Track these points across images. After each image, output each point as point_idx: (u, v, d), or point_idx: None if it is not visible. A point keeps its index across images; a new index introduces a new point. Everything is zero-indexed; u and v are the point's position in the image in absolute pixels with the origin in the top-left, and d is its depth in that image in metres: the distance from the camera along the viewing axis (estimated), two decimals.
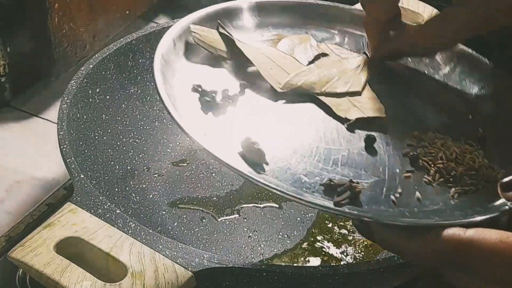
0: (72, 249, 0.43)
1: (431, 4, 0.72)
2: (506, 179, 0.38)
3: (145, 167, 0.63)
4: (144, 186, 0.62)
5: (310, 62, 0.51)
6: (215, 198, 0.62)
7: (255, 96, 0.47)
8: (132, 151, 0.63)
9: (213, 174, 0.64)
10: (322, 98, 0.47)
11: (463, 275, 0.36)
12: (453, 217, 0.39)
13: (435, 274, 0.54)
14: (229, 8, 0.55)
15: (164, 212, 0.60)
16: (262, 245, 0.58)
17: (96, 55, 0.60)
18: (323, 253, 0.57)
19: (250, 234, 0.59)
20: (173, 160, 0.65)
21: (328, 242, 0.58)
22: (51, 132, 0.56)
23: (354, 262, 0.57)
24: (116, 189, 0.59)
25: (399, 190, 0.41)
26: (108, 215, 0.45)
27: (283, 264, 0.56)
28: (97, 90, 0.60)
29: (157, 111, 0.66)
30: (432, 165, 0.43)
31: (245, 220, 0.60)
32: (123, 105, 0.63)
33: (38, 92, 0.78)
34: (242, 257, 0.57)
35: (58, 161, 0.51)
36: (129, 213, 0.57)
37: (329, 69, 0.50)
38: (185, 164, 0.65)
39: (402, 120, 0.48)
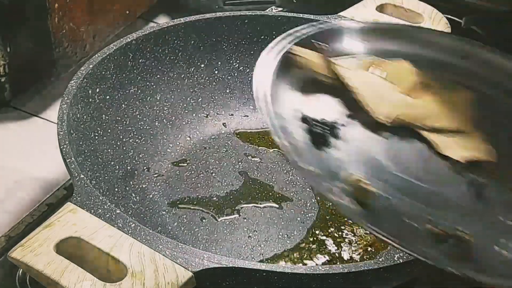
0: (72, 249, 0.44)
1: (431, 4, 0.73)
2: None
3: (145, 167, 0.63)
4: (144, 186, 0.62)
5: (410, 93, 0.47)
6: (215, 198, 0.62)
7: (358, 128, 0.44)
8: (132, 151, 0.63)
9: (213, 174, 0.64)
10: (425, 133, 0.44)
11: None
12: None
13: (435, 274, 0.54)
14: (332, 29, 0.51)
15: (164, 212, 0.60)
16: (262, 245, 0.58)
17: (96, 55, 0.60)
18: (323, 253, 0.57)
19: (250, 234, 0.59)
20: (173, 160, 0.65)
21: (328, 242, 0.58)
22: (51, 132, 0.56)
23: (354, 262, 0.57)
24: (116, 189, 0.59)
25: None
26: (108, 215, 0.45)
27: (283, 264, 0.56)
28: (97, 90, 0.60)
29: (157, 111, 0.66)
30: None
31: (245, 220, 0.60)
32: (123, 105, 0.63)
33: (38, 92, 0.78)
34: (242, 257, 0.57)
35: (58, 161, 0.51)
36: (129, 213, 0.57)
37: (433, 103, 0.46)
38: (185, 164, 0.65)
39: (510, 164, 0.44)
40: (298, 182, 0.64)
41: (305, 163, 0.39)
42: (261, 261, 0.56)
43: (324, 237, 0.59)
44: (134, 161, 0.63)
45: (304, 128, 0.43)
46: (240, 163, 0.66)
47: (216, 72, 0.70)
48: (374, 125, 0.45)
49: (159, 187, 0.62)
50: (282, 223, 0.60)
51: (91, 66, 0.59)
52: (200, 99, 0.69)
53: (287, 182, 0.64)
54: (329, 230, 0.59)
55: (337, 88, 0.46)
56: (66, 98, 0.55)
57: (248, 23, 0.69)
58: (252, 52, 0.70)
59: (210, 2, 0.94)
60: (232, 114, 0.70)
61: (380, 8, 0.72)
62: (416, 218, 0.39)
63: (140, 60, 0.64)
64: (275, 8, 0.94)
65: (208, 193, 0.62)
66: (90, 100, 0.59)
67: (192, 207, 0.61)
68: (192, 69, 0.69)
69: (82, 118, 0.57)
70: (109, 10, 0.79)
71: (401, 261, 0.46)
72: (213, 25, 0.68)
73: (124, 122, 0.63)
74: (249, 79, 0.71)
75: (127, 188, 0.60)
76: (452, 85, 0.49)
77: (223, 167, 0.65)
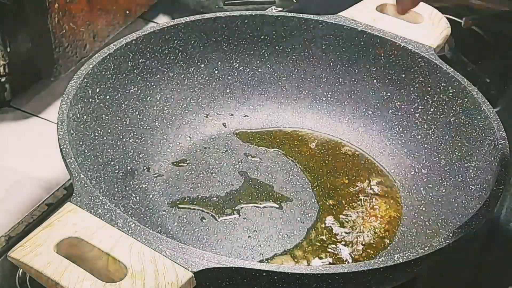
0: (72, 249, 0.44)
1: (431, 4, 0.73)
2: None
3: (145, 167, 0.63)
4: (144, 186, 0.62)
5: None
6: (215, 198, 0.62)
7: None
8: (132, 151, 0.63)
9: (213, 174, 0.64)
10: None
11: None
12: None
13: (435, 274, 0.54)
14: None
15: (164, 212, 0.60)
16: (262, 245, 0.58)
17: (96, 55, 0.60)
18: (323, 253, 0.57)
19: (250, 234, 0.59)
20: (173, 160, 0.65)
21: (328, 242, 0.58)
22: (51, 132, 0.56)
23: (354, 262, 0.57)
24: (116, 189, 0.59)
25: None
26: (108, 215, 0.45)
27: (283, 264, 0.56)
28: (97, 90, 0.60)
29: (157, 111, 0.66)
30: None
31: (245, 220, 0.60)
32: (123, 105, 0.63)
33: (38, 92, 0.78)
34: (242, 257, 0.57)
35: (58, 161, 0.51)
36: (129, 213, 0.57)
37: None
38: (185, 164, 0.65)
39: None
40: (298, 182, 0.64)
41: None
42: (261, 261, 0.56)
43: (324, 237, 0.59)
44: (134, 161, 0.63)
45: None
46: (240, 163, 0.66)
47: (216, 72, 0.70)
48: None
49: (159, 187, 0.62)
50: (282, 223, 0.60)
51: (91, 66, 0.59)
52: (200, 99, 0.69)
53: (287, 182, 0.64)
54: (329, 230, 0.59)
55: None
56: (66, 98, 0.55)
57: (248, 23, 0.69)
58: (252, 52, 0.70)
59: (210, 2, 0.94)
60: (232, 114, 0.70)
61: (380, 8, 0.72)
62: None
63: (140, 60, 0.64)
64: (275, 8, 0.94)
65: (208, 193, 0.62)
66: (90, 100, 0.59)
67: (192, 207, 0.61)
68: (192, 69, 0.68)
69: (82, 118, 0.57)
70: (109, 10, 0.79)
71: (401, 261, 0.46)
72: (213, 25, 0.68)
73: (124, 122, 0.63)
74: (249, 79, 0.71)
75: (127, 188, 0.60)
76: None
77: (223, 167, 0.65)
